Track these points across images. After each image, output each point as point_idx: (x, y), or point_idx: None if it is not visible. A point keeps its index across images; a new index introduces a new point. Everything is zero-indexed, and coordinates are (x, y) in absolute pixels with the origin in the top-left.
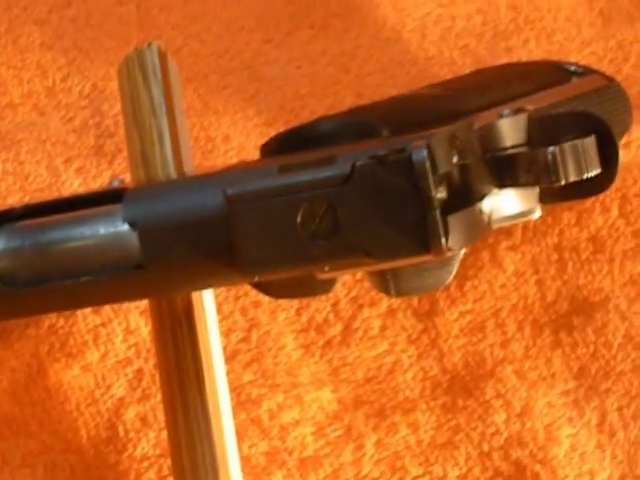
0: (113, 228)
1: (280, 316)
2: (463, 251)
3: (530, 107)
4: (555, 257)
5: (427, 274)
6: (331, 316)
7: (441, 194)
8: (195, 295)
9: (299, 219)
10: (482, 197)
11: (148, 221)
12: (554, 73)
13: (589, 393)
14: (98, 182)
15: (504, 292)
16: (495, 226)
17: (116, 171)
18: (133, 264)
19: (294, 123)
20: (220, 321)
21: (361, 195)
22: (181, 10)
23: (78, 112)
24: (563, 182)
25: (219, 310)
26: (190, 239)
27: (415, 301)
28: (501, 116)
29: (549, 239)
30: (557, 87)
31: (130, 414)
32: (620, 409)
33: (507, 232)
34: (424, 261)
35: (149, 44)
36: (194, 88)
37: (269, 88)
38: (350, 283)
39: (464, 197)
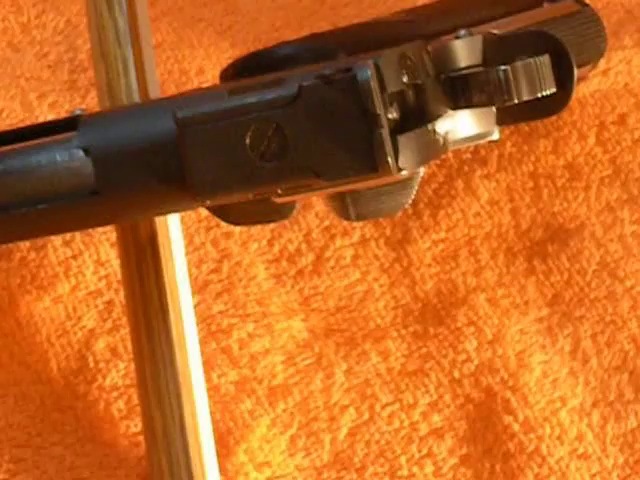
0: (69, 155)
1: (252, 247)
2: (421, 173)
3: (495, 31)
4: (530, 185)
5: (385, 197)
6: (303, 246)
7: (392, 114)
8: (160, 224)
9: (248, 140)
10: (436, 118)
11: (101, 147)
12: None
13: (563, 320)
14: None
15: (478, 220)
16: (452, 147)
17: (89, 105)
18: (88, 190)
19: None
20: (191, 252)
21: (308, 115)
22: None
23: (52, 48)
24: (516, 101)
25: (190, 242)
26: (142, 164)
27: (388, 230)
28: (456, 37)
29: (524, 167)
30: (527, 12)
31: (100, 345)
32: (594, 335)
33: (482, 160)
34: (380, 183)
35: None
36: (169, 22)
37: (244, 21)
38: (322, 213)
39: (417, 117)
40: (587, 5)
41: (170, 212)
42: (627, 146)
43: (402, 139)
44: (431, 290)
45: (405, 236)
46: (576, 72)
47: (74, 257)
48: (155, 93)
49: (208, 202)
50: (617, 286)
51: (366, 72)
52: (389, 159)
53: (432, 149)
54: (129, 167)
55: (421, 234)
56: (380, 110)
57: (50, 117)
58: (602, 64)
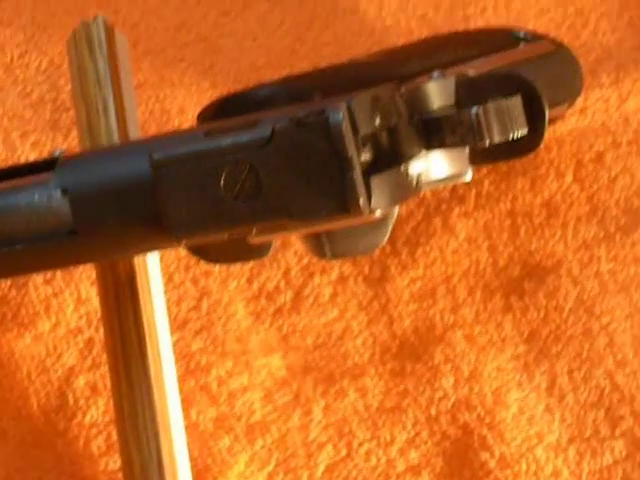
0: (47, 195)
1: (231, 284)
2: (395, 214)
3: (470, 72)
4: (508, 223)
5: (361, 237)
6: (282, 284)
7: (365, 155)
8: (139, 263)
9: (222, 182)
10: (409, 159)
11: (79, 188)
12: (501, 39)
13: (539, 357)
14: None
15: (456, 258)
16: (425, 188)
17: (72, 145)
18: (66, 230)
19: None
20: (171, 290)
21: (281, 157)
22: None
23: (35, 87)
24: (488, 142)
25: (170, 279)
26: (119, 204)
27: (366, 268)
28: (430, 79)
29: (502, 205)
30: (503, 52)
31: (80, 382)
32: (570, 372)
33: (460, 199)
34: (354, 223)
35: (95, 17)
36: (150, 62)
37: (225, 60)
38: (301, 252)
39: (390, 158)
40: (563, 45)
41: (148, 251)
42: (604, 184)
43: (375, 180)
44: (409, 327)
45: (383, 274)
46: (547, 113)
47: (55, 295)
48: (135, 133)
49: (184, 242)
50: (593, 323)
51: (338, 115)
52: (360, 200)
53: (405, 190)
54: (106, 207)
55: (399, 272)
56: (352, 152)
57: (32, 156)
58: (579, 103)
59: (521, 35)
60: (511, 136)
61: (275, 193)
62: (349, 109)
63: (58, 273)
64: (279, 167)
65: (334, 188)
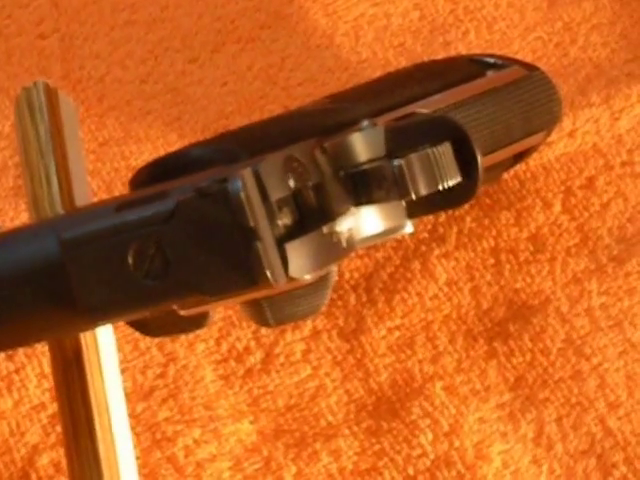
0: None
1: (199, 347)
2: (334, 274)
3: (424, 110)
4: (491, 261)
5: (301, 300)
6: (252, 343)
7: (284, 219)
8: (87, 337)
9: (131, 259)
10: (336, 217)
11: None
12: (466, 69)
13: (525, 404)
14: (16, 223)
15: (436, 303)
16: (359, 245)
17: None
18: None
19: None
20: (137, 357)
21: (187, 231)
22: (105, 37)
23: None
24: (414, 196)
25: (135, 347)
26: (33, 287)
27: (341, 320)
28: (357, 129)
29: (485, 242)
30: (466, 84)
31: (44, 460)
32: (559, 419)
33: (440, 238)
34: (278, 291)
35: (35, 82)
36: (116, 117)
37: (193, 109)
38: None
39: (317, 218)
40: (537, 69)
41: (68, 334)
42: (595, 211)
43: (291, 247)
44: (385, 382)
45: (359, 325)
46: (480, 159)
47: (16, 371)
48: (84, 203)
49: (101, 323)
50: (583, 364)
51: (237, 184)
52: (268, 273)
53: (331, 251)
54: (21, 290)
55: (375, 322)
56: (257, 222)
57: None
58: (568, 125)
59: (490, 61)
60: (441, 187)
61: (184, 269)
62: (256, 174)
63: (20, 348)
64: (185, 241)
65: (240, 261)
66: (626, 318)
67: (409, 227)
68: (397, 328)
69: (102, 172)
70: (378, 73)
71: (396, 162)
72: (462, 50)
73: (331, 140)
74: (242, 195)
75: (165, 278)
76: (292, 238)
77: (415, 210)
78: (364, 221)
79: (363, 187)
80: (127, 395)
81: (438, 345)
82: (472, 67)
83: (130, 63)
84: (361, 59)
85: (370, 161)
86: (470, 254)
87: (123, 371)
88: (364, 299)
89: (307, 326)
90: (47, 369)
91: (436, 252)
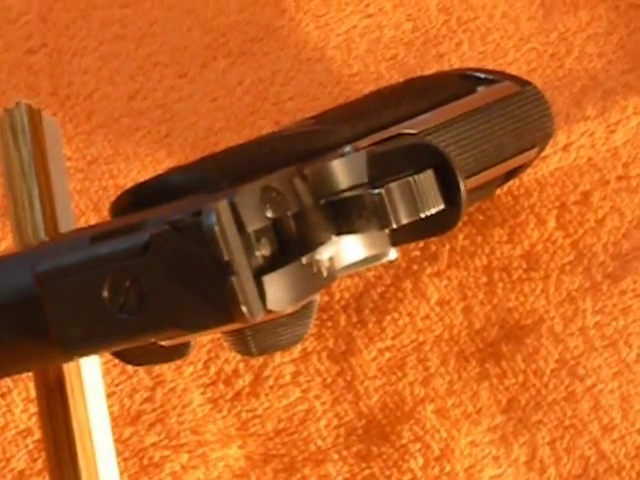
0: None
1: (186, 371)
2: (316, 302)
3: (412, 131)
4: (484, 280)
5: (283, 329)
6: (241, 366)
7: (262, 250)
8: (70, 363)
9: (106, 293)
10: (316, 246)
11: None
12: (457, 85)
13: (518, 427)
14: (4, 245)
15: (427, 324)
16: (340, 274)
17: None
18: None
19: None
20: (124, 381)
21: (162, 264)
22: (94, 52)
23: None
24: (395, 225)
25: (123, 371)
26: (8, 321)
27: (331, 342)
28: (338, 155)
29: (478, 261)
30: (456, 102)
31: None
32: (552, 442)
33: (432, 257)
34: (256, 323)
35: (17, 103)
36: (104, 134)
37: (182, 126)
38: None
39: (297, 248)
40: (529, 84)
41: (44, 366)
42: (590, 227)
43: (269, 279)
44: (376, 405)
45: (349, 347)
46: (463, 186)
47: (2, 396)
48: (68, 226)
49: (78, 357)
50: (577, 386)
51: (211, 217)
52: (243, 307)
53: (311, 282)
54: None
55: (366, 343)
56: (232, 255)
57: None
58: (563, 139)
59: (481, 77)
60: (423, 215)
61: (159, 303)
62: (232, 206)
63: None
64: (160, 275)
65: (215, 295)
66: (621, 338)
67: (393, 254)
68: (388, 349)
69: (90, 191)
70: (370, 87)
71: (376, 191)
72: (456, 62)
73: (312, 166)
74: (216, 229)
75: (141, 312)
76: (271, 269)
77: (398, 237)
78: (346, 249)
79: (344, 216)
80: (114, 419)
81: (429, 367)
82: (462, 83)
83: (119, 79)
84: (353, 72)
85: (351, 188)
86: (462, 273)
87: (110, 395)
88: (354, 320)
89: (296, 348)
90: (33, 394)
91: (428, 271)
